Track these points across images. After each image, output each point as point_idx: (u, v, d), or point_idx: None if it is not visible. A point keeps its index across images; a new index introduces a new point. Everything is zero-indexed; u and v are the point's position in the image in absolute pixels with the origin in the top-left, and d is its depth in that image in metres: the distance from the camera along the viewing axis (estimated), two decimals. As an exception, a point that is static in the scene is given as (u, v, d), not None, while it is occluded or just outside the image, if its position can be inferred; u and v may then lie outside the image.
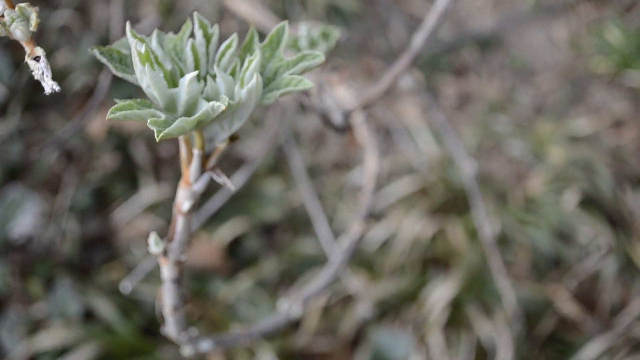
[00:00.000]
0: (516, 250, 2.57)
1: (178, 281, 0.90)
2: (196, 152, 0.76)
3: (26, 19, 0.65)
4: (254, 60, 0.71)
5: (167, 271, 0.89)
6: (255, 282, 2.46)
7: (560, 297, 2.48)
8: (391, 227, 2.57)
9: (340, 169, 2.86)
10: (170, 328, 0.99)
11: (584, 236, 2.59)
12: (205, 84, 0.72)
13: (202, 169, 0.78)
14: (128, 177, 2.71)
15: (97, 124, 2.77)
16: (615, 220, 2.65)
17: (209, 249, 2.55)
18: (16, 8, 0.65)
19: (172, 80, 0.72)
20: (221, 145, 0.77)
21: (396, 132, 2.87)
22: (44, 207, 2.58)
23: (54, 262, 2.48)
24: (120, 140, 2.75)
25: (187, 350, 1.10)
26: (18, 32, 0.65)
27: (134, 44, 0.67)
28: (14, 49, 2.88)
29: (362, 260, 2.54)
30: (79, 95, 2.88)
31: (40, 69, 0.64)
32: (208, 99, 0.71)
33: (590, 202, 2.68)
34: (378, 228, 2.58)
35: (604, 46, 3.16)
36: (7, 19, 0.64)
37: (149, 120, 0.66)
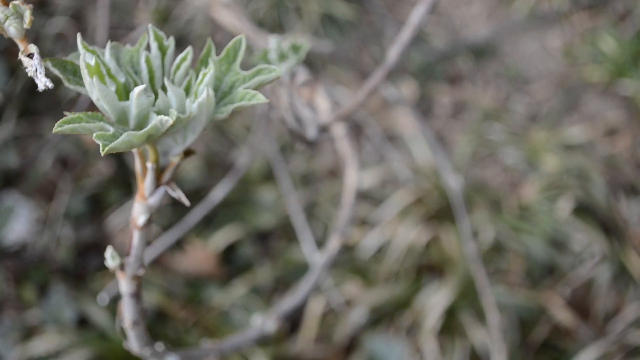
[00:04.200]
0: (510, 257, 2.57)
1: (137, 295, 0.89)
2: (150, 165, 0.75)
3: (20, 16, 0.65)
4: (208, 73, 0.71)
5: (125, 285, 0.87)
6: (250, 289, 2.46)
7: (554, 304, 2.48)
8: (386, 234, 2.57)
9: (335, 176, 2.87)
10: (132, 343, 0.96)
11: (578, 244, 2.60)
12: (157, 98, 0.71)
13: (157, 183, 0.77)
14: (123, 183, 2.71)
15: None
16: (609, 227, 2.66)
17: (203, 255, 2.55)
18: (10, 5, 0.65)
19: (126, 93, 0.71)
20: (175, 159, 0.77)
21: (391, 140, 2.88)
22: (39, 213, 2.58)
23: (49, 269, 2.47)
24: (115, 147, 2.76)
25: None
26: (12, 29, 0.65)
27: (82, 56, 0.66)
28: (9, 56, 2.88)
29: (356, 267, 2.54)
30: (74, 102, 2.88)
31: (33, 66, 0.65)
32: (159, 113, 0.70)
33: (584, 210, 2.68)
34: (373, 235, 2.59)
35: (598, 55, 3.18)
36: (0, 16, 0.65)
37: (94, 134, 0.64)
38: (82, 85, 0.69)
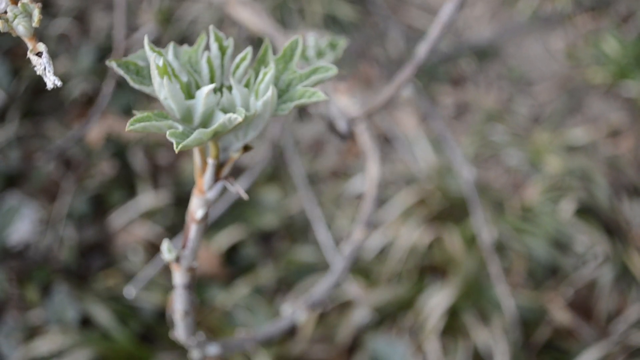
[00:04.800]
0: (513, 258, 2.57)
1: (190, 287, 0.92)
2: (211, 161, 0.77)
3: (29, 15, 0.66)
4: (269, 72, 0.73)
5: (180, 277, 0.91)
6: (253, 289, 2.46)
7: (556, 305, 2.48)
8: (389, 235, 2.58)
9: (338, 177, 2.87)
10: (180, 332, 1.01)
11: (580, 245, 2.60)
12: (221, 96, 0.73)
13: (216, 177, 0.79)
14: (126, 184, 2.71)
15: (95, 132, 2.78)
16: (612, 229, 2.66)
17: (206, 256, 2.55)
18: (19, 4, 0.65)
19: (188, 92, 0.73)
20: (235, 154, 0.79)
21: (394, 141, 2.88)
22: (42, 214, 2.59)
23: (52, 269, 2.48)
24: (118, 148, 2.76)
25: (195, 355, 1.12)
26: (21, 28, 0.65)
27: (152, 58, 0.69)
28: (13, 57, 2.89)
29: (359, 267, 2.54)
30: (78, 103, 2.89)
31: (42, 64, 0.65)
32: (224, 110, 0.73)
33: (587, 211, 2.68)
34: (376, 236, 2.59)
35: (601, 57, 3.18)
36: (9, 15, 0.65)
37: (167, 132, 0.67)
38: (146, 84, 0.72)
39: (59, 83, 0.64)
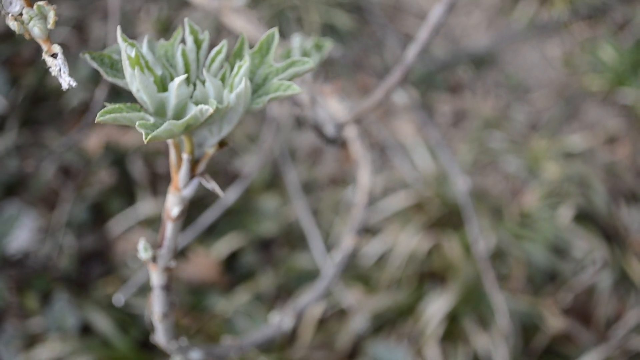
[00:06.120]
0: (512, 264, 2.58)
1: (167, 288, 0.90)
2: (185, 156, 0.76)
3: (44, 17, 0.66)
4: (244, 65, 0.72)
5: (157, 277, 0.88)
6: (253, 296, 2.47)
7: (556, 310, 2.49)
8: (387, 241, 2.58)
9: (336, 184, 2.88)
10: (160, 336, 0.97)
11: (579, 250, 2.61)
12: (194, 89, 0.72)
13: (191, 174, 0.78)
14: (125, 192, 2.72)
15: (94, 140, 2.78)
16: (610, 234, 2.67)
17: (206, 263, 2.56)
18: (34, 6, 0.66)
19: (162, 85, 0.72)
20: (210, 150, 0.77)
21: (392, 148, 2.89)
22: (41, 222, 2.59)
23: (51, 277, 2.48)
24: (117, 156, 2.77)
25: None
26: (36, 29, 0.66)
27: (124, 48, 0.68)
28: (11, 66, 2.89)
29: (358, 274, 2.55)
30: (76, 112, 2.89)
31: (57, 66, 0.65)
32: (197, 103, 0.71)
33: (585, 217, 2.69)
34: (374, 242, 2.59)
35: (598, 64, 3.19)
36: (25, 17, 0.66)
37: (137, 123, 0.66)
38: (120, 77, 0.71)
39: (74, 83, 0.64)
